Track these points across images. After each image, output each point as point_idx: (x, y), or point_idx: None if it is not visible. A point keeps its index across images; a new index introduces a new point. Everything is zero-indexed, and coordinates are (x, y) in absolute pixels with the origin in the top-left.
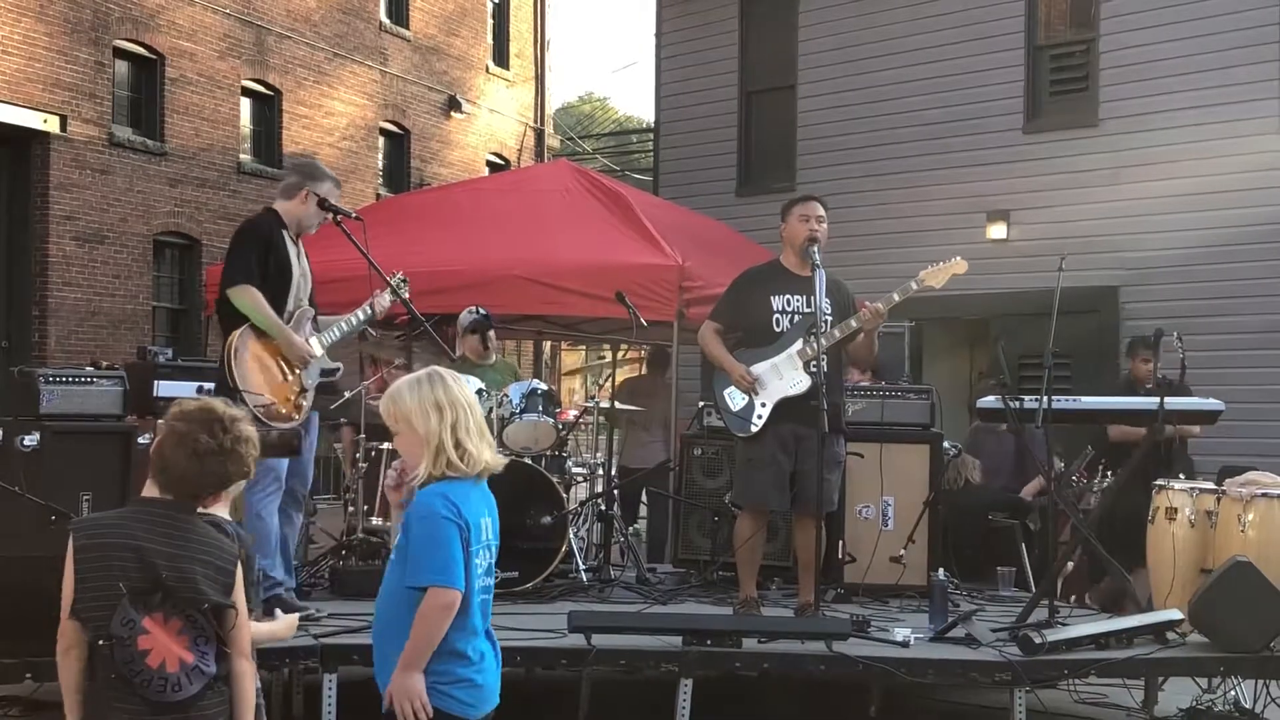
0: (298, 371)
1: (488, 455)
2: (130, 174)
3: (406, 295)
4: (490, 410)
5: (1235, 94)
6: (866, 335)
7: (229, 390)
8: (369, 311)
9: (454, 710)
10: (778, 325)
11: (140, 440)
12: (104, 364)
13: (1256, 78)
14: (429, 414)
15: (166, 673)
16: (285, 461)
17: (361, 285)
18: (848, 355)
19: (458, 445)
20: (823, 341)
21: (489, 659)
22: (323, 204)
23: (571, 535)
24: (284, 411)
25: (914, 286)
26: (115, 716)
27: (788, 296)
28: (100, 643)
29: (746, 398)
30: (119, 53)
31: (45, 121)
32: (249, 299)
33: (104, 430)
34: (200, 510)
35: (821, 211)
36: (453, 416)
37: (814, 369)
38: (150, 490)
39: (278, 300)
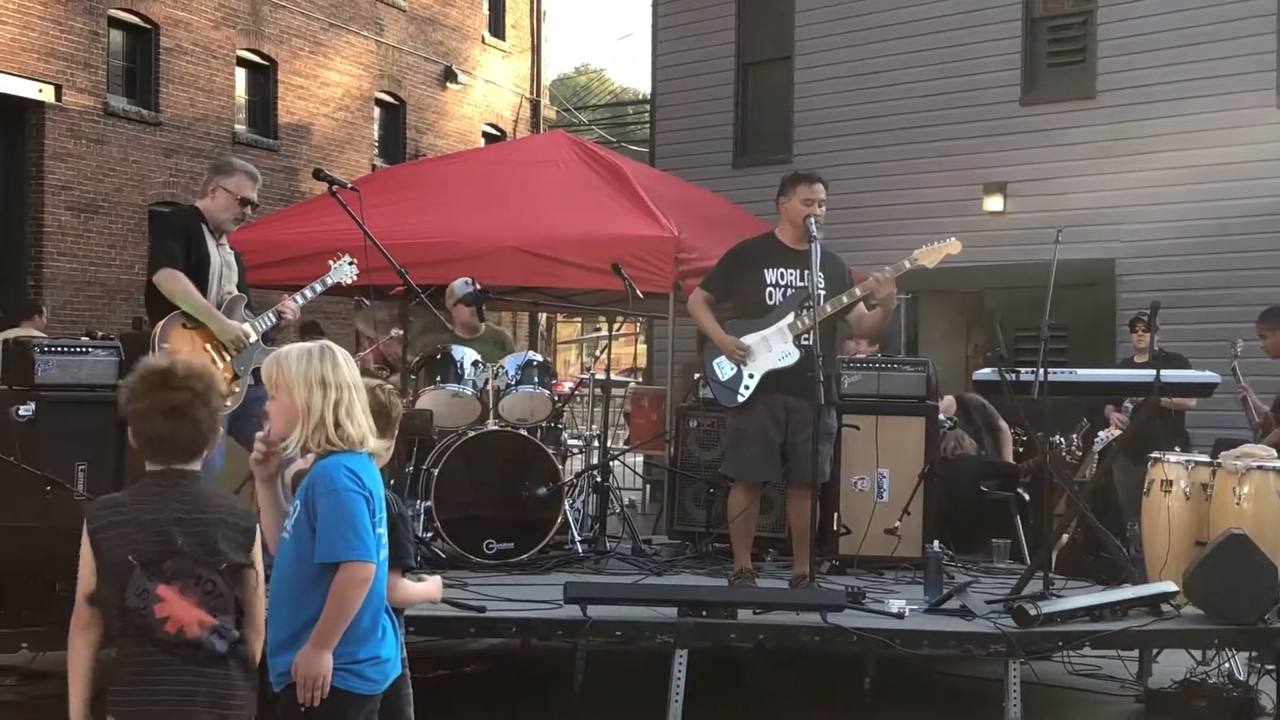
0: (228, 358)
1: (371, 442)
2: (125, 144)
3: (351, 279)
4: (486, 382)
5: (1234, 67)
6: (882, 306)
7: None
8: (303, 298)
9: (359, 689)
10: (770, 299)
11: None
12: (99, 334)
13: (1255, 50)
14: (313, 389)
15: (186, 638)
16: (217, 451)
17: (357, 256)
18: (852, 327)
19: (338, 424)
20: (815, 316)
21: (390, 633)
22: (245, 202)
23: (567, 507)
24: None
25: (906, 265)
26: (160, 673)
27: (781, 270)
28: (121, 624)
29: (735, 368)
30: (114, 22)
31: (40, 91)
32: (176, 284)
33: (99, 400)
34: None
35: (824, 195)
36: (336, 396)
37: (805, 342)
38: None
39: (199, 290)
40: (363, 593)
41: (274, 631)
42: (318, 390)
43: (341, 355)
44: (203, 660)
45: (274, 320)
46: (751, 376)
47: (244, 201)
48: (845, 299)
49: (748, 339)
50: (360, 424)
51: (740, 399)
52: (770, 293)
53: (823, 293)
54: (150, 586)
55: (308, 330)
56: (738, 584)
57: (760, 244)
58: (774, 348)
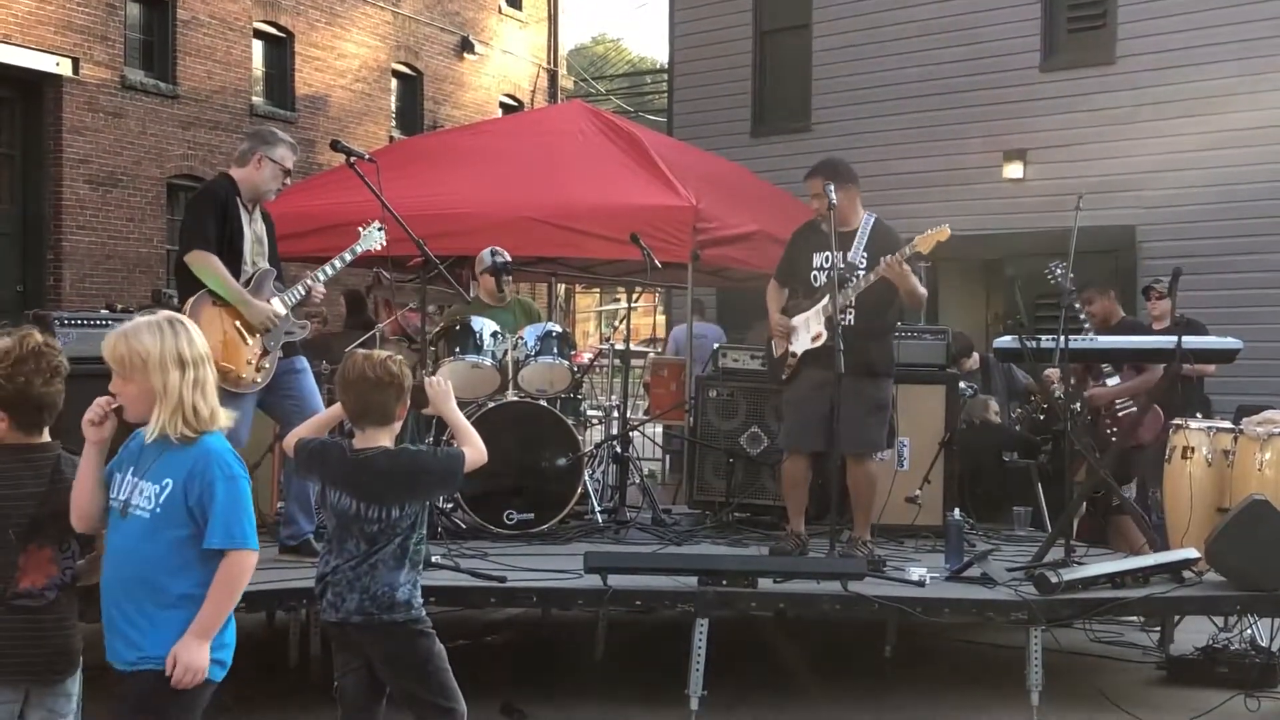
0: (258, 335)
1: (223, 417)
2: (143, 117)
3: (380, 245)
4: (505, 352)
5: (1255, 31)
6: (900, 284)
7: None
8: (332, 269)
9: (218, 677)
10: (815, 281)
11: None
12: (119, 307)
13: (1277, 14)
14: (169, 369)
15: (19, 590)
16: (243, 428)
17: None
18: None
19: (196, 406)
20: (839, 299)
21: (232, 619)
22: (287, 171)
23: (587, 477)
24: (245, 377)
25: (907, 252)
26: None
27: (826, 253)
28: None
29: (784, 346)
30: None
31: (58, 64)
32: (208, 265)
33: None
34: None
35: (817, 189)
36: (194, 374)
37: (841, 321)
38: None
39: (230, 267)
40: (247, 581)
41: (122, 612)
42: (175, 371)
43: (193, 327)
44: (27, 608)
45: (302, 294)
46: (794, 355)
47: (286, 171)
48: (873, 277)
49: (796, 319)
50: (214, 401)
51: (784, 375)
52: (815, 275)
53: (862, 271)
54: (15, 558)
55: (353, 299)
56: (780, 548)
57: (807, 228)
58: (811, 328)
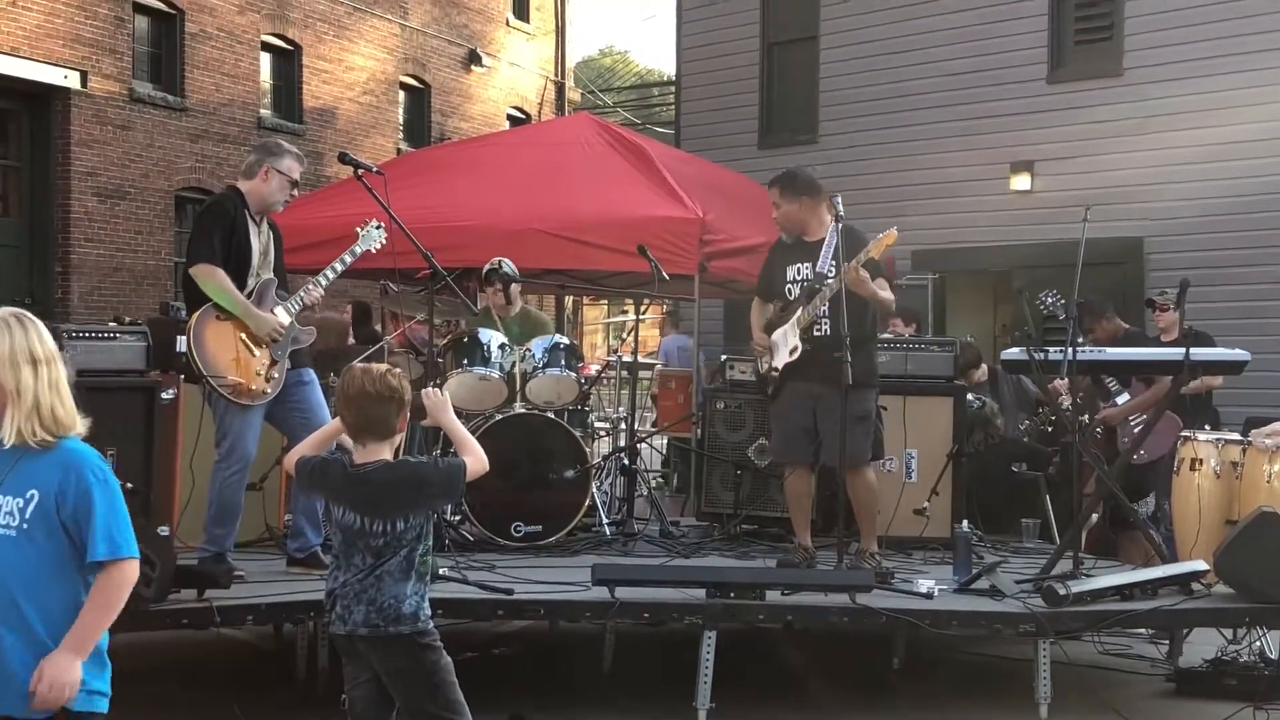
0: (265, 345)
1: (80, 423)
2: (151, 130)
3: (380, 244)
4: (513, 364)
5: (1261, 43)
6: (860, 291)
7: (194, 376)
8: (334, 272)
9: (103, 708)
10: (790, 294)
11: (164, 396)
12: (127, 320)
13: None
14: (20, 366)
15: None
16: (252, 440)
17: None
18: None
19: (54, 408)
20: (810, 311)
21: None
22: (294, 183)
23: (594, 489)
24: (254, 388)
25: (862, 257)
26: None
27: (798, 265)
28: None
29: (767, 363)
30: (139, 7)
31: (66, 77)
32: (214, 280)
33: (128, 386)
34: None
35: (774, 198)
36: (48, 373)
37: (817, 333)
38: None
39: (236, 280)
40: (129, 591)
41: (19, 634)
42: (28, 369)
43: (41, 324)
44: None
45: (304, 301)
46: (775, 370)
47: (294, 183)
48: (836, 285)
49: (775, 335)
50: (70, 402)
51: (769, 390)
52: (790, 289)
53: (830, 281)
54: None
55: (360, 310)
56: (789, 560)
57: (780, 243)
58: (789, 341)
